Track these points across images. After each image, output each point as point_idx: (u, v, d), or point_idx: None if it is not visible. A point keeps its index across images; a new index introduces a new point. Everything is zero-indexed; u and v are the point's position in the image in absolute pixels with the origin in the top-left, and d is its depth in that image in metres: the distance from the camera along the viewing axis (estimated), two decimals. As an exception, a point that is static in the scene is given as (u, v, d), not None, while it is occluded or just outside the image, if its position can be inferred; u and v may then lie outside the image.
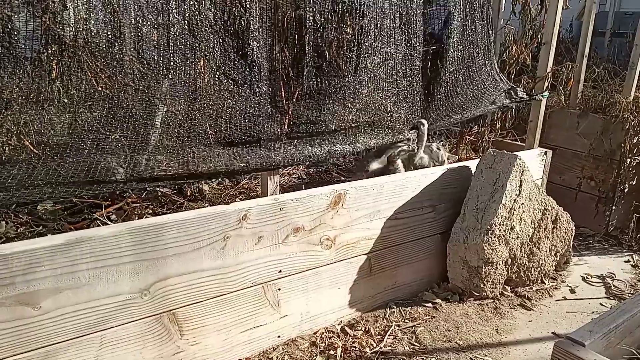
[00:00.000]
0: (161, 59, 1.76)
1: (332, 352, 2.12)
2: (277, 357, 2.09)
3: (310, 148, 2.17)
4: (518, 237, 2.53)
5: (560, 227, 2.73)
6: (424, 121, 2.57)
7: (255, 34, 1.92)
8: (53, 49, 1.56)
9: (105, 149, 1.71)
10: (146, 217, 2.09)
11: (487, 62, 2.81)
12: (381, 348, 2.16)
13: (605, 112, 3.34)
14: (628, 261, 3.12)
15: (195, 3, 1.80)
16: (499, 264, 2.51)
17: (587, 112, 3.43)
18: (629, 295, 2.71)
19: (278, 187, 2.12)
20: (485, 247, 2.42)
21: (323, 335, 2.24)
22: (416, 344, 2.22)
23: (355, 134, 2.32)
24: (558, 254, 2.80)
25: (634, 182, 3.42)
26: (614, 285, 2.81)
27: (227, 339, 2.00)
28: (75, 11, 1.57)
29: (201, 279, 1.85)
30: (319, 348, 2.16)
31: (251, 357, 2.08)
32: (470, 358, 2.15)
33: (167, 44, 1.77)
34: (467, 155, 3.22)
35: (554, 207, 2.70)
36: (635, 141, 3.26)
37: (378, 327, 2.32)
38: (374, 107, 2.35)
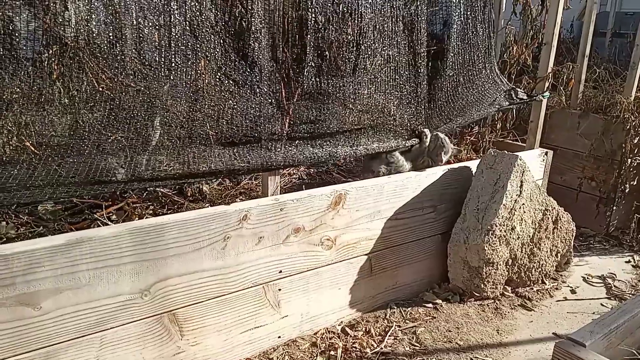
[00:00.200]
0: (162, 59, 1.77)
1: (332, 352, 2.12)
2: (277, 358, 2.09)
3: (311, 149, 2.17)
4: (519, 237, 2.53)
5: (561, 228, 2.73)
6: (426, 131, 2.57)
7: (256, 34, 1.92)
8: (54, 49, 1.56)
9: (106, 150, 1.71)
10: (147, 218, 2.09)
11: (487, 64, 2.81)
12: (382, 348, 2.16)
13: (606, 113, 3.34)
14: (629, 261, 3.12)
15: (197, 4, 1.80)
16: (500, 265, 2.51)
17: (588, 113, 3.43)
18: (630, 295, 2.70)
19: (278, 187, 2.12)
20: (486, 248, 2.42)
21: (323, 336, 2.24)
22: (417, 344, 2.21)
23: (357, 135, 2.31)
24: (559, 255, 2.80)
25: (635, 183, 3.42)
26: (614, 286, 2.81)
27: (228, 339, 2.00)
28: (76, 12, 1.57)
29: (202, 279, 1.85)
30: (320, 348, 2.16)
31: (251, 357, 2.08)
32: (471, 358, 2.15)
33: (168, 44, 1.77)
34: (468, 155, 3.22)
35: (554, 208, 2.70)
36: (636, 141, 3.26)
37: (379, 328, 2.32)
38: (376, 110, 2.35)
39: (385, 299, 2.49)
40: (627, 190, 3.41)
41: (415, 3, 2.40)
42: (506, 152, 2.55)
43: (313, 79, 2.12)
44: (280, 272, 2.07)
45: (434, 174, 2.50)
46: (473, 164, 2.66)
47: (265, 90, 2.01)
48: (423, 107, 2.54)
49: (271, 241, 2.00)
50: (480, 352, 2.19)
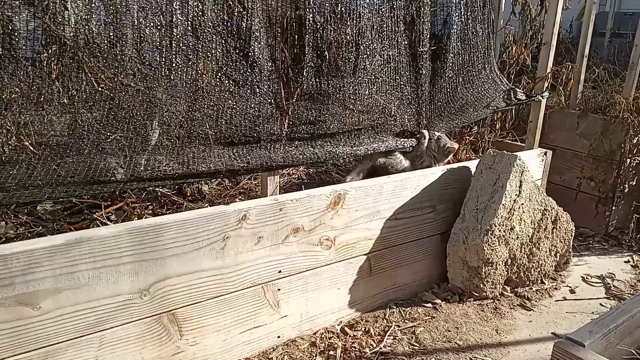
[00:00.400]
0: (161, 59, 1.76)
1: (331, 352, 2.12)
2: (276, 358, 2.09)
3: (311, 149, 2.17)
4: (518, 237, 2.53)
5: (560, 228, 2.73)
6: (425, 132, 2.57)
7: (256, 34, 1.92)
8: (53, 49, 1.56)
9: (105, 149, 1.71)
10: (146, 218, 2.09)
11: (487, 64, 2.81)
12: (381, 348, 2.16)
13: (605, 113, 3.34)
14: (628, 261, 3.12)
15: (196, 3, 1.80)
16: (499, 265, 2.51)
17: (587, 113, 3.43)
18: (629, 295, 2.70)
19: (278, 187, 2.12)
20: (485, 248, 2.42)
21: (323, 336, 2.24)
22: (416, 344, 2.22)
23: (356, 136, 2.32)
24: (558, 254, 2.80)
25: (634, 183, 3.42)
26: (613, 286, 2.81)
27: (227, 339, 2.00)
28: (76, 11, 1.57)
29: (201, 279, 1.85)
30: (319, 348, 2.16)
31: (251, 357, 2.08)
32: (470, 358, 2.15)
33: (168, 44, 1.77)
34: (467, 155, 3.22)
35: (553, 208, 2.70)
36: (635, 141, 3.26)
37: (378, 328, 2.32)
38: (376, 110, 2.35)
39: (385, 298, 2.49)
40: (626, 190, 3.41)
41: (415, 3, 2.40)
42: (505, 152, 2.55)
43: (312, 79, 2.12)
44: (280, 272, 2.07)
45: (433, 174, 2.50)
46: (472, 164, 2.66)
47: (265, 90, 2.01)
48: (423, 107, 2.55)
49: (270, 241, 2.00)
50: (480, 352, 2.19)
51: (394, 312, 2.44)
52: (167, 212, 2.23)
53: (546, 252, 2.71)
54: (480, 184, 2.54)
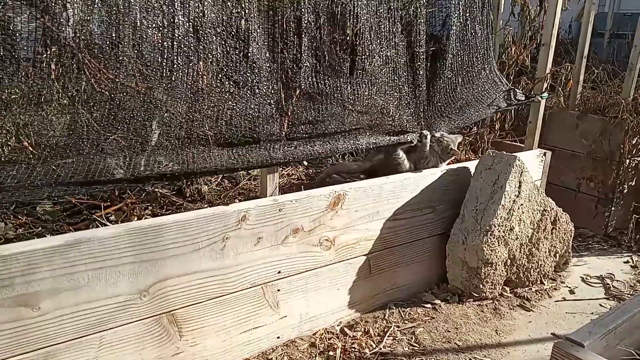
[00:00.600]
0: (161, 60, 1.76)
1: (331, 353, 2.12)
2: (276, 358, 2.09)
3: (310, 148, 2.17)
4: (517, 238, 2.54)
5: (559, 228, 2.73)
6: (426, 132, 2.57)
7: (254, 35, 1.92)
8: (53, 49, 1.56)
9: (105, 150, 1.71)
10: (145, 218, 2.09)
11: (486, 65, 2.81)
12: (380, 349, 2.16)
13: (604, 113, 3.34)
14: (627, 262, 3.12)
15: (196, 4, 1.80)
16: (498, 265, 2.51)
17: (586, 113, 3.43)
18: (628, 296, 2.71)
19: (277, 187, 2.12)
20: (484, 248, 2.42)
21: (322, 336, 2.24)
22: (415, 345, 2.22)
23: (355, 136, 2.31)
24: (557, 255, 2.80)
25: (633, 183, 3.42)
26: (613, 286, 2.81)
27: (227, 340, 1.99)
28: (75, 12, 1.57)
29: (200, 280, 1.85)
30: (318, 349, 2.16)
31: (250, 358, 2.08)
32: (470, 359, 2.15)
33: (170, 45, 1.77)
34: (467, 156, 3.22)
35: (553, 208, 2.70)
36: (634, 142, 3.26)
37: (377, 328, 2.32)
38: (375, 111, 2.35)
39: (384, 299, 2.49)
40: (625, 191, 3.42)
41: (414, 4, 2.40)
42: (505, 152, 2.55)
43: (311, 80, 2.12)
44: (279, 272, 2.07)
45: (432, 174, 2.50)
46: (472, 165, 2.66)
47: (264, 90, 2.01)
48: (422, 108, 2.55)
49: (270, 242, 2.00)
50: (479, 352, 2.19)
51: (393, 312, 2.44)
52: (167, 212, 2.23)
53: (545, 252, 2.71)
54: (480, 185, 2.54)
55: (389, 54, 2.35)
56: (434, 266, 2.64)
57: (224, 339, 1.98)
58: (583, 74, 3.52)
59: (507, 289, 2.65)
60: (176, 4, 1.75)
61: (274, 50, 2.00)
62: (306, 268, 2.15)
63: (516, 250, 2.56)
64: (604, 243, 3.38)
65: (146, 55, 1.73)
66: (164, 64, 1.77)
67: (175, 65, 1.79)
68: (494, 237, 2.43)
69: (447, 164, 2.67)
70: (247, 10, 1.89)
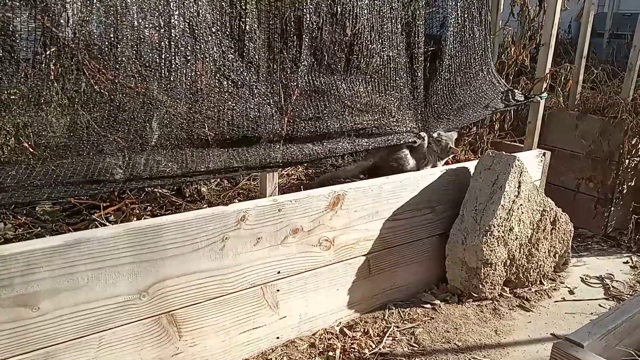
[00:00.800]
0: (160, 60, 1.76)
1: (330, 353, 2.12)
2: (276, 359, 2.09)
3: (311, 146, 2.17)
4: (517, 238, 2.54)
5: (559, 228, 2.73)
6: (424, 134, 2.57)
7: (252, 34, 1.92)
8: (52, 50, 1.56)
9: (104, 150, 1.71)
10: (145, 219, 2.09)
11: (484, 66, 2.81)
12: (380, 349, 2.16)
13: (603, 114, 3.34)
14: (627, 262, 3.12)
15: (195, 5, 1.80)
16: (498, 265, 2.51)
17: (586, 114, 3.43)
18: (628, 296, 2.71)
19: (277, 188, 2.12)
20: (484, 248, 2.42)
21: (322, 337, 2.24)
22: (415, 345, 2.22)
23: (355, 136, 2.32)
24: (557, 255, 2.80)
25: (633, 183, 3.42)
26: (612, 287, 2.81)
27: (226, 340, 1.99)
28: (74, 12, 1.57)
29: (200, 280, 1.85)
30: (318, 349, 2.16)
31: (250, 358, 2.08)
32: (469, 359, 2.15)
33: (168, 45, 1.77)
34: (466, 156, 3.22)
35: (552, 208, 2.70)
36: (633, 142, 3.26)
37: (377, 328, 2.32)
38: (374, 111, 2.35)
39: (384, 299, 2.49)
40: (625, 191, 3.42)
41: (413, 5, 2.40)
42: (504, 152, 2.55)
43: (310, 80, 2.12)
44: (279, 272, 2.07)
45: (432, 174, 2.50)
46: (471, 165, 2.66)
47: (264, 90, 2.01)
48: (420, 109, 2.55)
49: (269, 242, 2.00)
50: (479, 352, 2.19)
51: (393, 313, 2.44)
52: (166, 213, 2.23)
53: (545, 252, 2.71)
54: (479, 185, 2.55)
55: (388, 53, 2.35)
56: (433, 266, 2.64)
57: (223, 339, 1.98)
58: (582, 74, 3.52)
59: (507, 289, 2.65)
60: (174, 3, 1.75)
61: (274, 49, 2.00)
62: (305, 268, 2.15)
63: (516, 250, 2.56)
64: (604, 243, 3.38)
65: (145, 56, 1.73)
66: (162, 64, 1.77)
67: (173, 66, 1.79)
68: (493, 238, 2.43)
69: (446, 164, 2.68)
70: (246, 10, 1.89)
